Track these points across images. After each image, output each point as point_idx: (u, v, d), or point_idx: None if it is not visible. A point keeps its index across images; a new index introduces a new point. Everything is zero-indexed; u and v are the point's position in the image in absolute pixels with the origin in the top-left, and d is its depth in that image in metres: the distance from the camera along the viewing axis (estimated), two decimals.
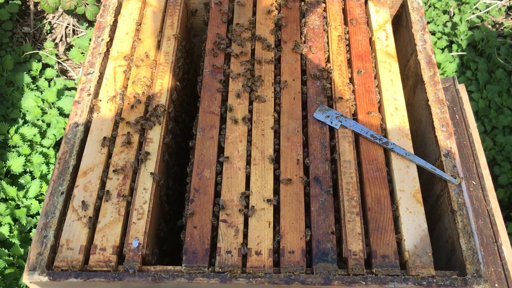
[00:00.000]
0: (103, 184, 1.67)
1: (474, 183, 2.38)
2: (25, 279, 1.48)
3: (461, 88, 2.76)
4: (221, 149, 1.78)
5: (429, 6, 4.22)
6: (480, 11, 4.17)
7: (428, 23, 4.11)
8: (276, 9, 2.15)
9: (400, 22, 2.27)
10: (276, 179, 1.71)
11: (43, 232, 1.56)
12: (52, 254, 1.54)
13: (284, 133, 1.80)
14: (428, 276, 1.49)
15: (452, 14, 4.17)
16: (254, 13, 2.15)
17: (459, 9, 4.19)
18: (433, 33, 4.07)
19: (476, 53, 3.93)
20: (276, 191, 1.68)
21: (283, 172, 1.70)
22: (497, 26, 4.16)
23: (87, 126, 1.81)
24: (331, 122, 1.80)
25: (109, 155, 1.74)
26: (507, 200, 3.23)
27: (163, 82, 1.92)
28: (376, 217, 1.61)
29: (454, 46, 3.95)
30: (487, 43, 3.90)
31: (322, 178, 1.69)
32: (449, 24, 4.08)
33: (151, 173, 1.67)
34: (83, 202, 1.61)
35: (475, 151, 2.48)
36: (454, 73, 3.82)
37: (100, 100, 1.86)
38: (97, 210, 1.62)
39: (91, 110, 1.85)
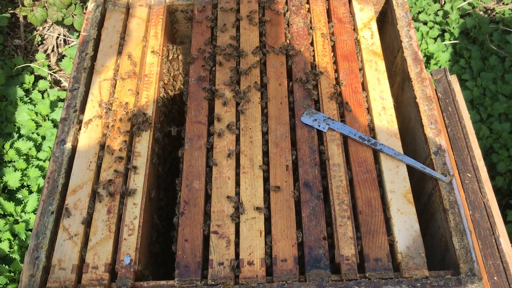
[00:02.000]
0: (93, 201, 1.67)
1: (470, 175, 2.37)
2: None
3: (453, 79, 2.74)
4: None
5: None
6: None
7: (419, 12, 4.09)
8: (260, 12, 2.14)
9: (386, 19, 2.25)
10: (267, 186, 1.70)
11: (34, 253, 1.56)
12: (44, 275, 1.54)
13: (272, 139, 1.79)
14: (421, 278, 1.49)
15: (443, 3, 4.14)
16: (237, 18, 2.14)
17: None
18: (424, 23, 4.04)
19: (469, 41, 3.90)
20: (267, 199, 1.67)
21: (273, 179, 1.69)
22: (489, 12, 4.12)
23: (74, 143, 1.81)
24: (319, 126, 1.79)
25: (98, 171, 1.74)
26: (506, 188, 3.22)
27: (149, 94, 1.91)
28: (367, 220, 1.60)
29: (447, 35, 3.92)
30: (479, 30, 3.87)
31: (312, 183, 1.68)
32: (441, 13, 4.04)
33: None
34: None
35: (469, 143, 2.47)
36: (447, 62, 3.79)
37: (87, 120, 1.85)
38: (87, 227, 1.62)
39: (78, 126, 1.84)
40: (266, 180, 1.72)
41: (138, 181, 1.69)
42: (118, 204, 1.65)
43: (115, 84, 1.95)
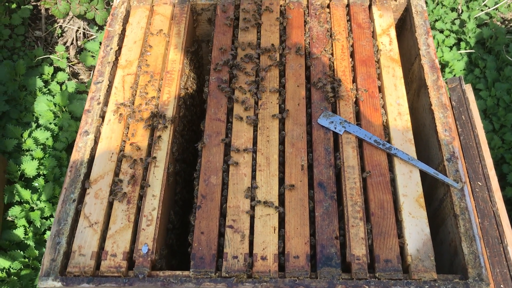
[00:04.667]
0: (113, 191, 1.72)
1: (480, 184, 2.40)
2: (39, 284, 1.54)
3: (468, 88, 2.77)
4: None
5: (437, 4, 4.21)
6: (489, 8, 4.15)
7: (436, 20, 4.11)
8: (281, 15, 2.18)
9: (404, 26, 2.28)
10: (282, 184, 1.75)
11: (56, 238, 1.62)
12: (65, 260, 1.59)
13: (288, 139, 1.83)
14: (430, 280, 1.52)
15: (460, 12, 4.16)
16: (259, 20, 2.18)
17: (468, 6, 4.18)
18: (441, 31, 4.06)
19: (485, 51, 3.91)
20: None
21: (288, 178, 1.74)
22: (506, 22, 4.14)
23: (97, 135, 1.86)
24: (335, 128, 1.84)
25: (119, 163, 1.79)
26: None
27: (171, 90, 1.96)
28: (379, 222, 1.64)
29: (462, 44, 3.94)
30: (495, 40, 3.88)
31: (326, 183, 1.72)
32: (457, 22, 4.06)
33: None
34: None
35: (481, 152, 2.49)
36: (462, 71, 3.81)
37: (110, 112, 1.91)
38: (107, 216, 1.67)
39: (101, 118, 1.90)
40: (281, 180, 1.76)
41: (157, 174, 1.74)
42: (138, 195, 1.70)
43: (138, 79, 2.00)
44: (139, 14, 2.20)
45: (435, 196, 1.84)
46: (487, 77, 3.72)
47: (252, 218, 1.66)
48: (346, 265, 1.60)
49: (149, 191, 1.71)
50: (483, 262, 1.55)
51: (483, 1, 4.17)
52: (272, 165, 1.77)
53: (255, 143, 1.83)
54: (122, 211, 1.67)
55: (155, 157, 1.77)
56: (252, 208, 1.67)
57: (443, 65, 3.86)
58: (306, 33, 2.13)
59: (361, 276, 1.53)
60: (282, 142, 1.84)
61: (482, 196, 2.35)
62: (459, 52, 3.89)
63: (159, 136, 1.83)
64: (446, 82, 2.80)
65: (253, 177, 1.75)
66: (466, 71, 3.83)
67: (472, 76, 3.79)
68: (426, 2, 4.20)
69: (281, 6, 2.21)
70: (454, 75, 3.80)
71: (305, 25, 2.15)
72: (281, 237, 1.62)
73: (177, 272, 1.57)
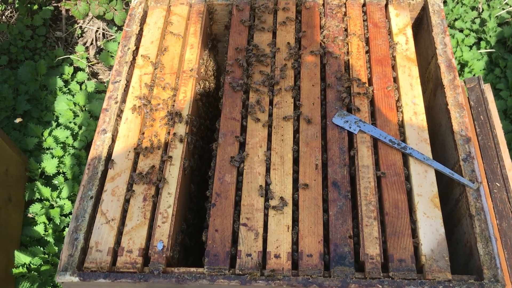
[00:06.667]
0: (130, 188, 1.75)
1: (498, 184, 2.37)
2: (57, 279, 1.57)
3: (487, 88, 2.73)
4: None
5: (457, 3, 4.16)
6: (510, 6, 4.08)
7: (456, 19, 4.06)
8: (297, 14, 2.19)
9: (421, 25, 2.27)
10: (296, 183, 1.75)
11: (74, 234, 1.66)
12: (82, 255, 1.63)
13: (303, 138, 1.84)
14: (444, 280, 1.51)
15: (480, 10, 4.11)
16: (275, 19, 2.19)
17: (488, 5, 4.12)
18: (460, 30, 4.02)
19: (506, 50, 3.85)
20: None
21: (302, 177, 1.74)
22: None
23: (114, 133, 1.89)
24: (350, 127, 1.84)
25: (136, 161, 1.82)
26: None
27: (187, 90, 1.99)
28: (393, 221, 1.63)
29: (483, 43, 3.88)
30: None
31: (340, 182, 1.72)
32: (478, 21, 4.01)
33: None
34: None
35: (499, 153, 2.46)
36: (482, 71, 3.76)
37: (127, 111, 1.94)
38: (124, 213, 1.70)
39: (119, 117, 1.93)
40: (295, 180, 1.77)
41: (173, 172, 1.77)
42: (154, 192, 1.73)
43: (155, 78, 2.03)
44: (156, 14, 2.23)
45: (451, 196, 1.82)
46: (508, 76, 3.67)
47: (266, 216, 1.67)
48: (359, 265, 1.59)
49: (164, 188, 1.73)
50: (499, 263, 1.53)
51: (505, 0, 4.10)
52: (286, 164, 1.78)
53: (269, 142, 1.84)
54: (138, 208, 1.70)
55: (170, 157, 1.80)
56: (266, 206, 1.69)
57: (463, 65, 3.81)
58: (322, 32, 2.13)
59: (375, 276, 1.53)
60: (296, 141, 1.85)
61: (500, 197, 2.32)
62: (479, 51, 3.84)
63: (175, 134, 1.86)
64: (464, 82, 2.77)
65: (267, 176, 1.76)
66: (486, 71, 3.78)
67: (493, 75, 3.73)
68: (446, 1, 4.15)
69: (297, 5, 2.22)
70: (474, 75, 3.75)
71: (320, 24, 2.16)
72: (295, 236, 1.63)
73: (192, 269, 1.59)
